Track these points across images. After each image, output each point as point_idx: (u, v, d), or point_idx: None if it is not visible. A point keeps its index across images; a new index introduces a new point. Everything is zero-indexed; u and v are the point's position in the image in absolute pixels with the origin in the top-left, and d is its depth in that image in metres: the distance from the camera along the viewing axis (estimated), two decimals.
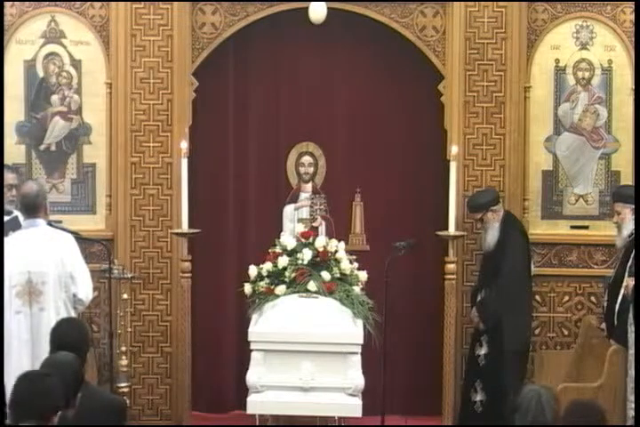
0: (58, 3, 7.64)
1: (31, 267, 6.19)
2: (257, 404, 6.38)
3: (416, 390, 7.79)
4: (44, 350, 5.32)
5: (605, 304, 6.98)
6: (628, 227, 6.80)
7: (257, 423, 6.68)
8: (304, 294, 6.69)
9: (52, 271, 6.21)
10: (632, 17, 7.57)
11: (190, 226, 7.21)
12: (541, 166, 7.77)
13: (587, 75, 7.73)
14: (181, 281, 7.30)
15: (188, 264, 7.26)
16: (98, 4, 7.63)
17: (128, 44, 7.56)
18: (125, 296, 7.36)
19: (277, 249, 6.96)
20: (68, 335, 4.89)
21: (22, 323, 6.14)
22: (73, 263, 6.31)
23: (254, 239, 7.84)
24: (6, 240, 6.41)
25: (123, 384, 7.35)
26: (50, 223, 6.59)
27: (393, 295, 6.85)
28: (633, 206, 6.76)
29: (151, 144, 7.61)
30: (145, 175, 7.62)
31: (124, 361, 7.37)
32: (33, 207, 6.32)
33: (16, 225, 6.82)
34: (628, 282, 6.48)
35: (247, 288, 6.90)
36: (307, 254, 6.82)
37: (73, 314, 6.25)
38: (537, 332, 7.71)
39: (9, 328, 6.15)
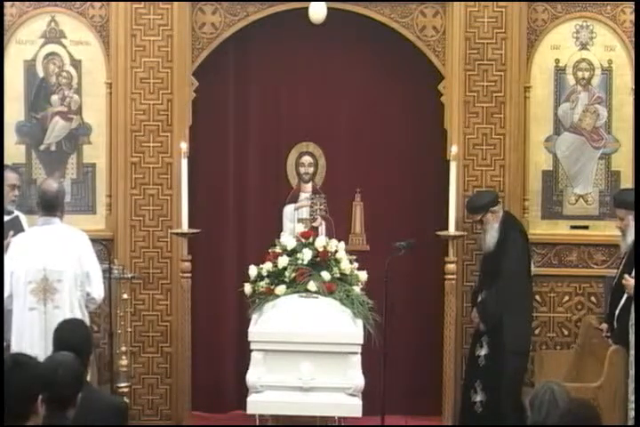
0: (58, 3, 7.64)
1: (48, 264, 6.19)
2: (257, 404, 6.37)
3: (416, 390, 7.79)
4: None
5: (608, 304, 6.96)
6: (632, 233, 6.73)
7: (257, 423, 6.67)
8: (304, 294, 6.68)
9: (70, 270, 6.22)
10: (632, 17, 7.58)
11: (190, 226, 7.21)
12: (541, 166, 7.77)
13: (587, 75, 7.73)
14: (181, 281, 7.31)
15: (188, 264, 7.27)
16: (98, 4, 7.63)
17: (128, 44, 7.56)
18: (125, 296, 7.35)
19: (277, 249, 6.96)
20: (71, 337, 4.87)
21: (35, 320, 6.13)
22: (89, 262, 6.33)
23: (254, 239, 7.84)
24: (21, 236, 6.42)
25: (123, 384, 7.34)
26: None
27: (393, 295, 6.85)
28: None
29: (151, 144, 7.61)
30: (145, 175, 7.62)
31: (124, 361, 7.36)
32: (52, 205, 6.33)
33: (16, 225, 6.82)
34: (628, 280, 6.47)
35: (247, 288, 6.89)
36: (307, 254, 6.82)
37: (86, 313, 6.27)
38: (537, 332, 7.71)
39: (22, 324, 6.16)
